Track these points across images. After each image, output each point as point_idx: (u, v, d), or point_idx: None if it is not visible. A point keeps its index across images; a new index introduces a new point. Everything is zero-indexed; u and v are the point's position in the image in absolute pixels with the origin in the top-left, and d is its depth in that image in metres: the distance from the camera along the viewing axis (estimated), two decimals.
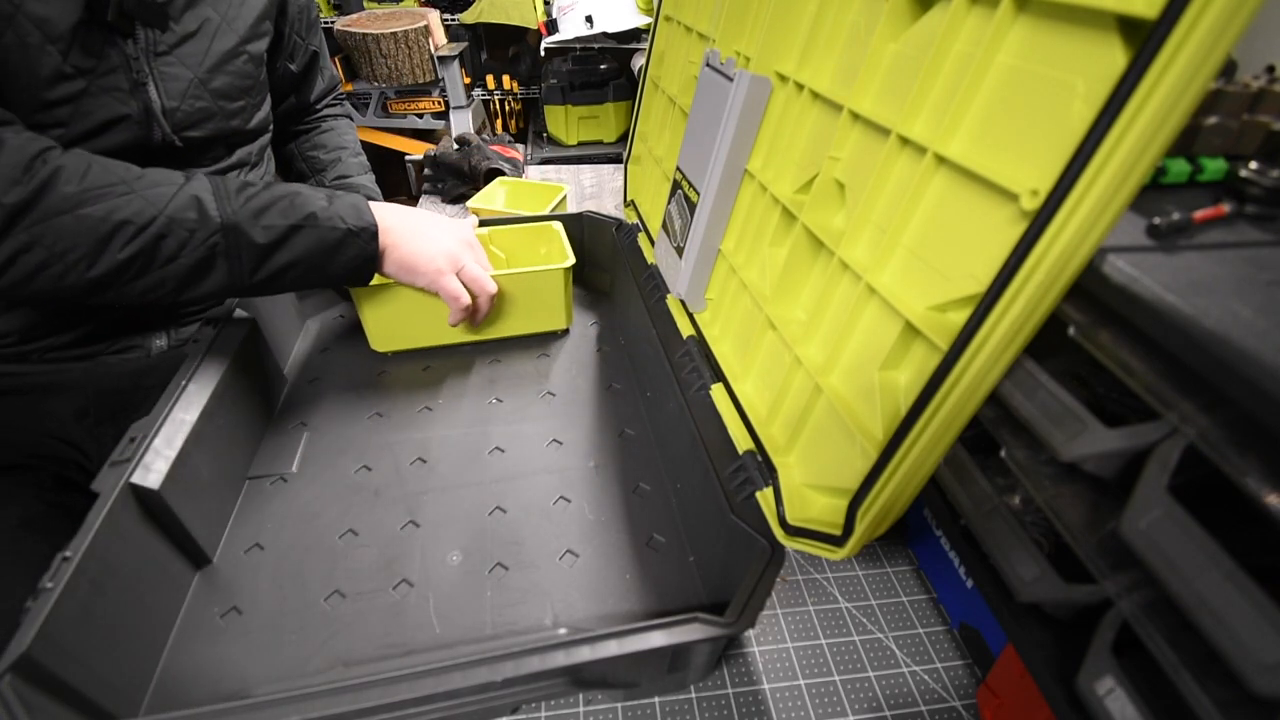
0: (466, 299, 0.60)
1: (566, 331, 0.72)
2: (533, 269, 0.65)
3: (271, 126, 0.70)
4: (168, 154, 0.57)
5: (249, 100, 0.63)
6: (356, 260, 0.53)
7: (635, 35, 1.50)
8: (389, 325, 0.65)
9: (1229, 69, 0.40)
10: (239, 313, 0.59)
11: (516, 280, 0.65)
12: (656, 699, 0.44)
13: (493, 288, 0.62)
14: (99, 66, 0.51)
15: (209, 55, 0.58)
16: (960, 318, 0.28)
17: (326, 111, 0.84)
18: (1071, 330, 0.31)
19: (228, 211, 0.48)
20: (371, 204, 0.55)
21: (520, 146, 1.52)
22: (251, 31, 0.62)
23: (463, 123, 1.70)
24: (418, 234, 0.57)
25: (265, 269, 0.50)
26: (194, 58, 0.57)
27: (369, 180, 0.82)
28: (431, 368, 0.66)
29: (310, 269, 0.52)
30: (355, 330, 0.71)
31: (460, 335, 0.68)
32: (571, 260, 0.66)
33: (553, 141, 1.55)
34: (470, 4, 1.77)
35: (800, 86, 0.44)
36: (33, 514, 0.55)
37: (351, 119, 0.89)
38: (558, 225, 0.72)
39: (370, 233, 0.53)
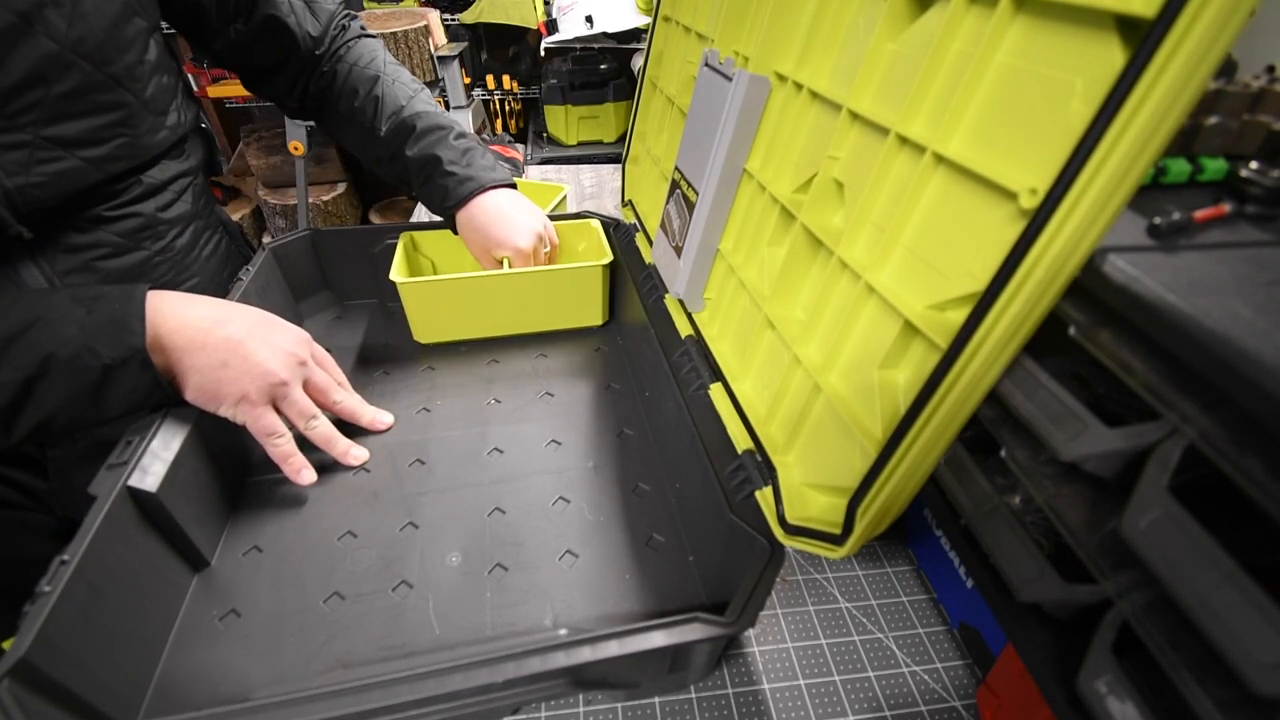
0: (281, 435, 0.49)
1: (604, 326, 0.73)
2: (574, 265, 0.67)
3: (203, 120, 0.60)
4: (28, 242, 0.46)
5: (131, 132, 0.49)
6: (134, 395, 0.43)
7: (635, 35, 1.50)
8: (433, 316, 0.67)
9: (1229, 69, 0.39)
10: None
11: (558, 276, 0.67)
12: (656, 699, 0.44)
13: (325, 434, 0.52)
14: None
15: (48, 104, 0.43)
16: (959, 316, 0.28)
17: (337, 48, 0.66)
18: (1072, 330, 0.31)
19: None
20: (159, 306, 0.44)
21: (520, 146, 1.52)
22: (111, 43, 0.46)
23: (463, 123, 1.70)
24: (223, 351, 0.45)
25: (16, 431, 0.41)
26: (28, 115, 0.43)
27: (424, 100, 0.67)
28: (429, 369, 0.66)
29: (79, 418, 0.42)
30: (352, 332, 0.71)
31: (506, 328, 0.70)
32: (610, 257, 0.68)
33: (553, 141, 1.55)
34: (470, 4, 1.77)
35: (799, 86, 0.44)
36: None
37: (366, 32, 0.69)
38: (596, 223, 0.74)
39: (139, 359, 0.42)
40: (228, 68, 0.65)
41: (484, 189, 0.64)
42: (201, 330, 0.45)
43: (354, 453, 0.54)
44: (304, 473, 0.51)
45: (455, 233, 0.67)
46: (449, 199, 0.64)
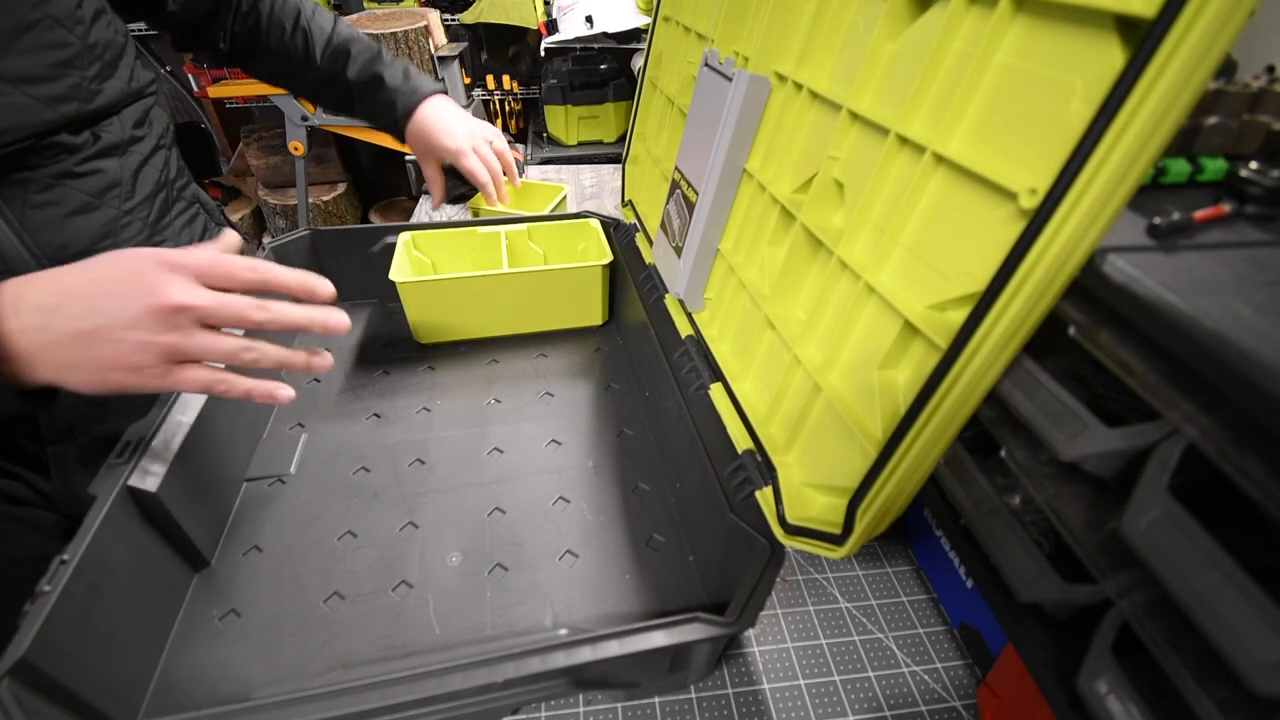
0: (220, 380, 0.39)
1: (604, 326, 0.73)
2: (574, 265, 0.68)
3: (153, 86, 0.59)
4: None
5: (79, 74, 0.50)
6: None
7: (635, 35, 1.50)
8: (433, 316, 0.67)
9: (1229, 69, 0.39)
10: None
11: (558, 276, 0.68)
12: (656, 699, 0.44)
13: (244, 354, 0.39)
14: None
15: None
16: (959, 316, 0.28)
17: None
18: (1072, 330, 0.31)
19: None
20: None
21: (520, 146, 1.52)
22: None
23: None
24: (76, 348, 0.36)
25: None
26: None
27: (345, 26, 0.73)
28: (429, 369, 0.66)
29: None
30: (352, 332, 0.71)
31: (506, 328, 0.71)
32: (610, 257, 0.69)
33: (553, 141, 1.54)
34: (470, 4, 1.78)
35: (799, 86, 0.44)
36: None
37: None
38: (596, 223, 0.74)
39: None
40: (170, 27, 0.68)
41: (426, 97, 0.72)
42: (37, 328, 0.37)
43: (316, 362, 0.43)
44: (278, 391, 0.42)
45: (404, 142, 0.74)
46: (397, 111, 0.71)
